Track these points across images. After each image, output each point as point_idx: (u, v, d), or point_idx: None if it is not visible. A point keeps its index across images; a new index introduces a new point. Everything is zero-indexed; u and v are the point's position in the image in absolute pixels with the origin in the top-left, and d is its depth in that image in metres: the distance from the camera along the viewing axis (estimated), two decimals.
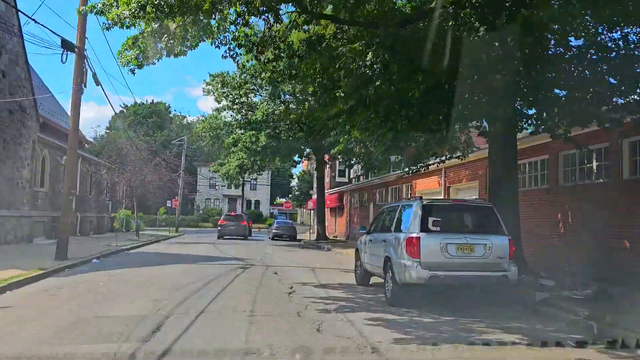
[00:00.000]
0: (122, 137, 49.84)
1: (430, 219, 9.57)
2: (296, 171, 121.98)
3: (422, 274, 9.11)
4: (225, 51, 13.17)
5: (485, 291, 10.21)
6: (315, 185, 50.68)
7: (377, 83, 9.38)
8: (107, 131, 73.50)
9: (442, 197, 21.39)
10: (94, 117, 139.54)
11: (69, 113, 19.99)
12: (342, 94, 10.50)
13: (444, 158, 16.05)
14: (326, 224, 41.09)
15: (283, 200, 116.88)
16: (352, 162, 32.54)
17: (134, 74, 11.29)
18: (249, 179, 71.95)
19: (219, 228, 38.02)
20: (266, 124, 27.76)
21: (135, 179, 32.67)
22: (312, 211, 55.19)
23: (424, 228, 9.39)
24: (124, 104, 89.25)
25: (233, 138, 30.38)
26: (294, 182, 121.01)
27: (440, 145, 15.21)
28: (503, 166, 12.04)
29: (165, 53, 12.26)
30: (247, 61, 27.64)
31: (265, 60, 12.45)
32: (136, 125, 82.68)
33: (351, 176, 42.94)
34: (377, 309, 9.65)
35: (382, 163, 29.77)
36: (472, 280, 9.34)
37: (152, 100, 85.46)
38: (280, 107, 28.17)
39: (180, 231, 50.89)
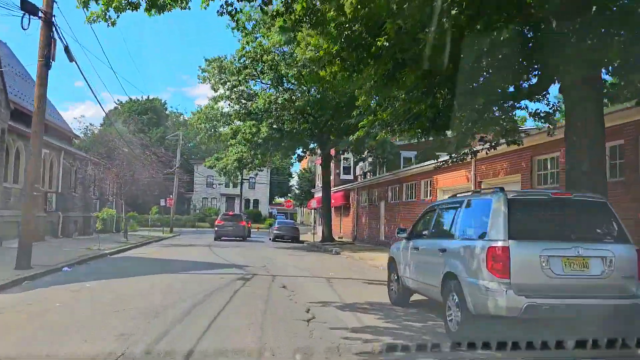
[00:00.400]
0: (112, 131, 46.80)
1: (520, 220, 6.47)
2: (295, 169, 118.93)
3: (514, 302, 6.04)
4: (221, 6, 10.15)
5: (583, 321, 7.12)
6: (319, 182, 47.62)
7: (454, 12, 6.30)
8: (100, 127, 70.21)
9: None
10: (92, 117, 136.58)
11: (48, 99, 16.81)
12: (386, 43, 7.44)
13: (493, 144, 12.89)
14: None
15: (282, 199, 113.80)
16: (365, 154, 29.38)
17: (93, 22, 8.25)
18: (248, 177, 68.87)
19: (216, 229, 34.99)
20: (268, 113, 24.65)
21: (124, 175, 29.60)
22: (314, 211, 52.19)
23: (512, 234, 6.31)
24: (118, 100, 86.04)
25: (232, 129, 27.23)
26: (293, 181, 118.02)
27: (488, 128, 12.14)
28: (589, 149, 8.98)
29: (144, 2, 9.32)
30: (247, 43, 24.84)
31: (275, 13, 9.40)
32: (129, 121, 79.63)
33: (357, 173, 39.94)
34: (442, 350, 6.57)
35: (396, 157, 26.80)
36: (589, 310, 6.24)
37: (148, 97, 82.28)
38: (284, 95, 25.06)
39: (176, 232, 47.83)
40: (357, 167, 40.88)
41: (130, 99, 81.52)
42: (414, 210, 24.27)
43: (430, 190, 22.73)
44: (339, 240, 34.70)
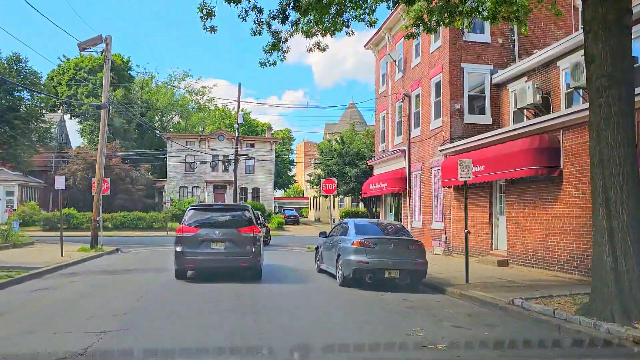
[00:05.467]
0: None
1: None
2: (293, 157, 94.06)
3: None
4: None
5: None
6: (389, 145, 23.30)
7: None
8: None
9: None
10: None
11: None
12: None
13: None
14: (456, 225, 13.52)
15: (280, 192, 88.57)
16: None
17: None
18: (243, 156, 44.34)
19: (179, 249, 11.82)
20: None
21: None
22: (376, 199, 27.86)
23: None
24: (63, 55, 60.87)
25: None
26: (294, 170, 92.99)
27: None
28: None
29: None
30: None
31: None
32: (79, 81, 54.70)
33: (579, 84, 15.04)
34: None
35: None
36: None
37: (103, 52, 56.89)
38: None
39: (117, 242, 23.78)
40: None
41: (82, 54, 56.57)
42: None
43: None
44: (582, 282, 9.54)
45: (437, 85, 18.77)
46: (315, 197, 52.22)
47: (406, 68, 21.91)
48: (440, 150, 17.77)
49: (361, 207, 48.69)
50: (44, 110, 37.90)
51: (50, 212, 40.32)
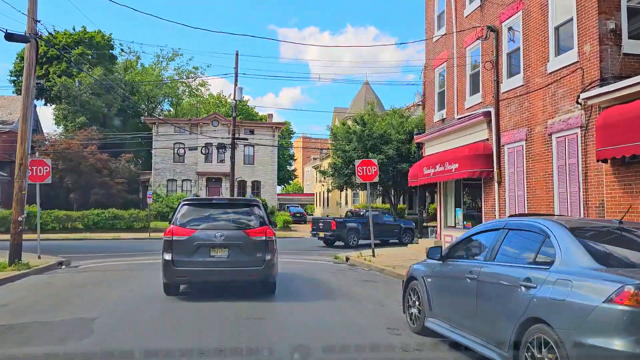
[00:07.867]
0: None
1: None
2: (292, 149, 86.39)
3: None
4: None
5: None
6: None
7: None
8: None
9: None
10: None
11: None
12: None
13: None
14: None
15: (279, 188, 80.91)
16: None
17: None
18: (242, 140, 36.97)
19: (167, 257, 8.58)
20: None
21: None
22: (435, 187, 20.41)
23: None
24: (39, 32, 52.67)
25: None
26: (295, 160, 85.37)
27: None
28: None
29: None
30: None
31: None
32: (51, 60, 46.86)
33: None
34: None
35: None
36: None
37: (84, 28, 49.37)
38: None
39: (75, 249, 16.91)
40: None
41: (56, 30, 48.98)
42: None
43: None
44: None
45: None
46: (329, 191, 44.73)
47: None
48: (584, 100, 10.35)
49: (379, 202, 41.26)
50: None
51: (8, 211, 32.76)
